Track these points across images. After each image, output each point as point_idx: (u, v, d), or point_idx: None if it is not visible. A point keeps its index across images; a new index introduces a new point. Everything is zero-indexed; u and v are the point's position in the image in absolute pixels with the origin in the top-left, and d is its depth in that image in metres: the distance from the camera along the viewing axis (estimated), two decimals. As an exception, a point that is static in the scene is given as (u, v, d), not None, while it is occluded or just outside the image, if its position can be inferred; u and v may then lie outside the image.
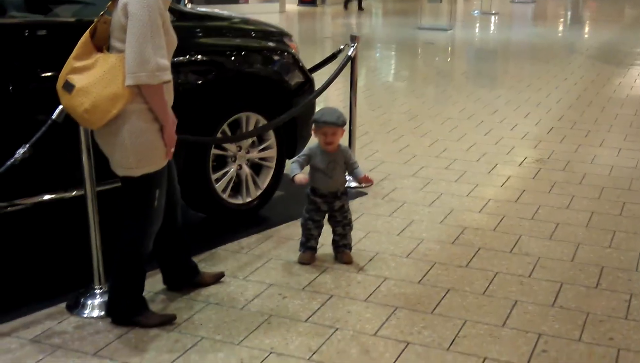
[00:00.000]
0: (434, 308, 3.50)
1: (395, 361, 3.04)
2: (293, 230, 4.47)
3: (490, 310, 3.49)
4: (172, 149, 3.14)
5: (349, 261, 3.99)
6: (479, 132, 6.94)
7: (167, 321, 3.33)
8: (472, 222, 4.64)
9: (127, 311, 3.29)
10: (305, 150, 3.95)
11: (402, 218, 4.70)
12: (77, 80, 2.96)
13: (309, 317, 3.41)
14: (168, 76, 2.96)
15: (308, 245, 4.00)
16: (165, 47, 2.96)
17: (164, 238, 3.45)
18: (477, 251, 4.17)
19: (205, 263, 3.96)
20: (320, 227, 3.99)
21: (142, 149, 3.04)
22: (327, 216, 4.01)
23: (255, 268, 3.92)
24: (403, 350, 3.13)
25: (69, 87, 2.99)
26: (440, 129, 7.05)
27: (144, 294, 3.36)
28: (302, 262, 3.98)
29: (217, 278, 3.75)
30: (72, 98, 2.98)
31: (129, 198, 3.19)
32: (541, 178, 5.57)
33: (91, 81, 2.94)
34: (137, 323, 3.27)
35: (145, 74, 2.88)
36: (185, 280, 3.65)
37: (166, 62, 2.94)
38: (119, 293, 3.29)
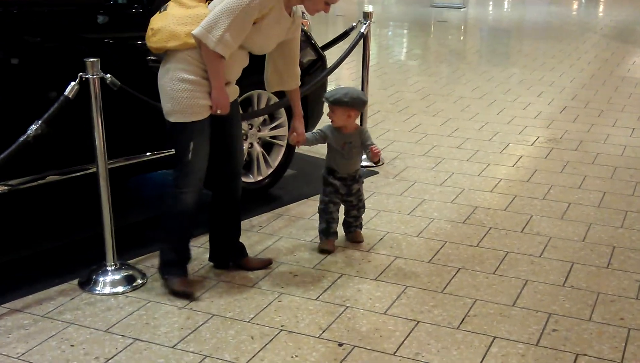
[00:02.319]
0: (444, 287, 3.50)
1: (405, 339, 3.05)
2: (304, 209, 4.48)
3: (501, 289, 3.49)
4: (219, 111, 3.23)
5: (360, 240, 3.96)
6: (491, 111, 6.90)
7: (184, 295, 3.36)
8: (484, 202, 4.63)
9: (161, 265, 3.44)
10: (323, 127, 3.85)
11: (413, 197, 4.70)
12: (172, 8, 3.27)
13: (320, 295, 3.42)
14: (225, 52, 3.13)
15: (331, 231, 3.87)
16: (239, 37, 3.15)
17: (217, 211, 3.57)
18: (488, 231, 4.17)
19: (217, 241, 3.97)
20: (338, 211, 3.90)
21: (178, 96, 3.19)
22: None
23: (266, 247, 3.93)
24: (413, 329, 3.13)
25: (164, 8, 3.30)
26: (452, 108, 7.02)
27: (190, 259, 3.53)
28: (326, 250, 3.83)
29: (264, 264, 3.70)
30: (158, 17, 3.29)
31: (171, 146, 3.44)
32: (553, 157, 5.54)
33: (176, 14, 3.22)
34: (164, 280, 3.44)
35: (210, 36, 3.09)
36: (232, 260, 3.68)
37: (232, 42, 3.12)
38: (161, 244, 3.46)
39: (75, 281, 3.51)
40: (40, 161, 3.61)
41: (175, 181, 3.34)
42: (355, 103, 3.71)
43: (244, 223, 4.20)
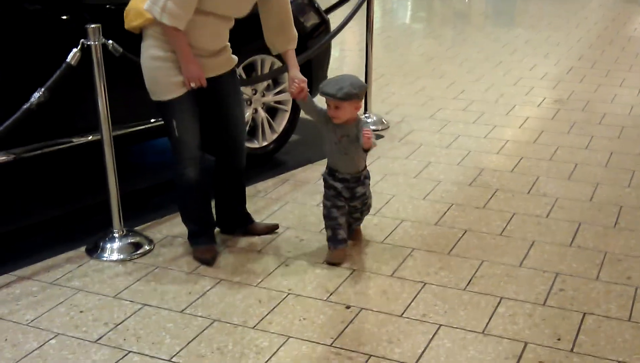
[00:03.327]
0: (451, 249, 3.50)
1: (412, 301, 3.06)
2: (309, 174, 4.47)
3: (508, 250, 3.49)
4: (193, 84, 3.14)
5: (358, 239, 3.58)
6: (497, 73, 6.85)
7: (204, 262, 3.38)
8: (490, 163, 4.61)
9: (188, 235, 3.50)
10: (324, 109, 3.34)
11: (419, 160, 4.68)
12: None
13: (327, 258, 3.42)
14: (173, 22, 3.01)
15: (339, 239, 3.38)
16: (186, 4, 3.02)
17: (220, 180, 3.57)
18: (495, 193, 4.15)
19: (223, 207, 3.97)
20: (345, 215, 3.39)
21: (153, 75, 3.16)
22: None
23: (272, 212, 3.93)
24: (420, 290, 3.14)
25: None
26: (457, 70, 6.96)
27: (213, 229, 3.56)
28: (334, 263, 3.36)
29: (270, 229, 3.69)
30: None
31: None
32: (560, 118, 5.50)
33: None
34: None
35: (155, 7, 3.02)
36: (238, 227, 3.67)
37: (178, 10, 3.00)
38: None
39: (83, 249, 3.52)
40: (45, 128, 3.60)
41: (173, 157, 3.33)
42: (363, 91, 3.29)
43: (249, 189, 4.19)
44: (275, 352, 2.72)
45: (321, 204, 3.44)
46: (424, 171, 4.50)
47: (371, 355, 2.69)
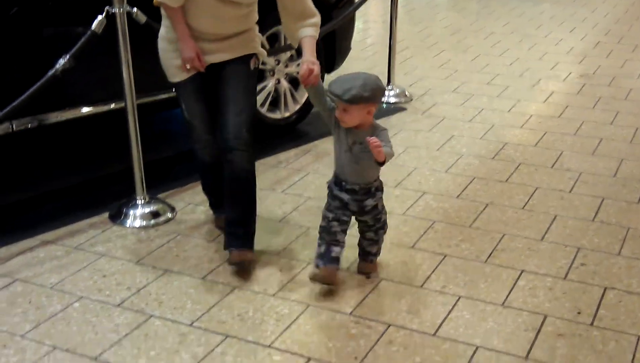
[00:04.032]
0: (472, 222, 3.49)
1: (433, 272, 3.06)
2: (331, 145, 4.42)
3: (530, 224, 3.47)
4: (188, 66, 2.97)
5: (369, 272, 3.06)
6: (522, 47, 6.77)
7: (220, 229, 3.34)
8: (513, 138, 4.58)
9: (209, 204, 3.50)
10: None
11: (442, 133, 4.66)
12: None
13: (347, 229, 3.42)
14: (168, 1, 2.89)
15: (331, 255, 2.88)
16: None
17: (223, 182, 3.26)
18: (518, 167, 4.13)
19: (244, 176, 3.98)
20: (346, 232, 2.93)
21: (161, 56, 3.10)
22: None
23: (294, 182, 3.94)
24: (440, 262, 3.14)
25: None
26: (482, 44, 6.90)
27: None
28: (321, 281, 2.90)
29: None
30: None
31: None
32: (585, 93, 5.44)
33: None
34: None
35: None
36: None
37: None
38: None
39: (106, 215, 3.55)
40: (70, 95, 3.62)
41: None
42: (377, 94, 2.76)
43: (271, 159, 4.21)
44: (295, 320, 2.74)
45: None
46: (446, 144, 4.48)
47: (390, 325, 2.71)
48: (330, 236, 2.88)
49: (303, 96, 4.68)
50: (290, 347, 2.58)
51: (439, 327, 2.70)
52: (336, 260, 2.90)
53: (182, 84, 3.08)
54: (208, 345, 2.60)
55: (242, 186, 3.06)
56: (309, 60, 2.89)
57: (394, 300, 2.87)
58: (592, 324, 2.71)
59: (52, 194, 3.82)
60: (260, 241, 3.31)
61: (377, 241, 3.02)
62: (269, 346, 2.59)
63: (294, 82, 4.65)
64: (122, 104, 3.45)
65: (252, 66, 3.10)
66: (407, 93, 5.33)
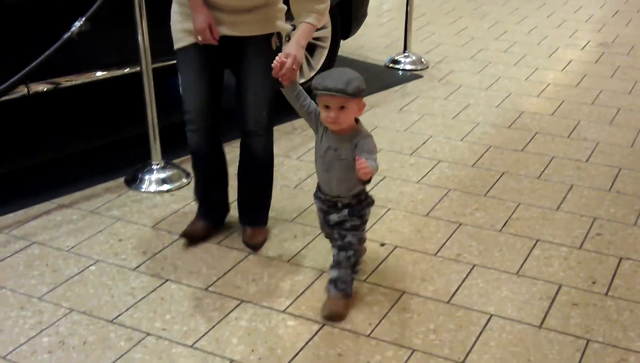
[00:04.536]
0: (488, 191, 3.48)
1: (447, 241, 3.06)
2: (347, 112, 4.44)
3: (545, 193, 3.46)
4: (200, 37, 2.72)
5: (333, 316, 2.57)
6: (540, 15, 6.68)
7: (183, 233, 3.04)
8: (530, 106, 4.54)
9: None
10: (317, 108, 2.53)
11: (458, 101, 4.62)
12: None
13: (362, 197, 3.42)
14: None
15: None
16: None
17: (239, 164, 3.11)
18: (534, 136, 4.10)
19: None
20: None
21: (171, 22, 2.85)
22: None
23: (309, 149, 3.93)
24: (455, 231, 3.14)
25: None
26: (500, 11, 6.81)
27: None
28: (330, 316, 2.58)
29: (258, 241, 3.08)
30: None
31: None
32: (604, 62, 5.38)
33: None
34: None
35: None
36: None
37: None
38: None
39: (122, 179, 3.56)
40: (86, 59, 3.61)
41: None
42: (358, 92, 2.41)
43: (286, 125, 4.20)
44: (309, 286, 2.75)
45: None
46: (462, 112, 4.44)
47: (404, 292, 2.71)
48: (329, 238, 2.71)
49: (319, 62, 4.65)
50: (305, 313, 2.60)
51: (453, 294, 2.70)
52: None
53: (184, 51, 2.81)
54: (223, 309, 2.62)
55: (259, 171, 3.00)
56: (286, 51, 2.56)
57: (409, 268, 2.87)
58: (606, 294, 2.71)
59: (68, 159, 3.83)
60: (275, 207, 3.31)
61: (339, 265, 2.58)
62: (283, 311, 2.61)
63: (310, 48, 4.62)
64: (138, 68, 3.44)
65: (273, 45, 2.82)
66: (423, 60, 5.29)
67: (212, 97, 2.88)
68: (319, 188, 2.61)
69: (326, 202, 2.57)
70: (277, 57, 2.50)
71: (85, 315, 2.58)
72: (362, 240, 2.64)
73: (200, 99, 2.86)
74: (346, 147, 2.44)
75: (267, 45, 2.81)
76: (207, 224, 3.08)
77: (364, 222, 2.60)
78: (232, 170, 3.07)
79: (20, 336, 2.48)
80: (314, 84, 2.39)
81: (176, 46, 2.84)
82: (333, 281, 2.59)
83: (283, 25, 2.86)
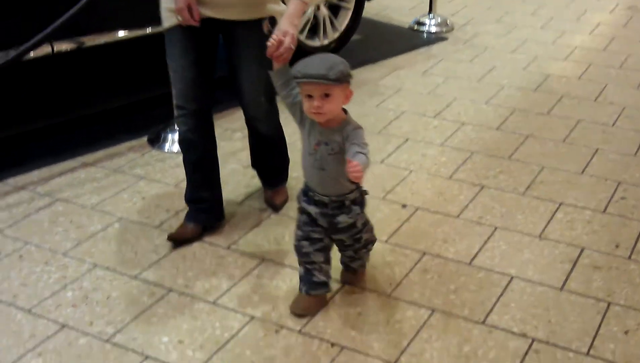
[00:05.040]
0: (512, 154, 3.45)
1: (470, 203, 3.05)
2: (369, 74, 4.42)
3: (570, 157, 3.42)
4: (180, 18, 2.54)
5: (357, 283, 2.56)
6: (569, -23, 6.56)
7: (168, 236, 2.80)
8: (557, 70, 4.48)
9: None
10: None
11: (483, 64, 4.57)
12: None
13: (384, 159, 3.42)
14: None
15: (313, 281, 2.39)
16: None
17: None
18: (560, 99, 4.05)
19: (280, 104, 3.96)
20: (324, 250, 2.39)
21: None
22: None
23: (332, 110, 3.91)
24: (478, 193, 3.12)
25: None
26: (527, -27, 6.69)
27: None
28: (302, 313, 2.41)
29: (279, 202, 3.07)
30: None
31: None
32: (633, 26, 5.28)
33: None
34: None
35: None
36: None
37: None
38: None
39: (145, 139, 3.58)
40: (110, 18, 3.61)
41: None
42: (341, 78, 2.18)
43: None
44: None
45: (383, 103, 3.31)
46: (487, 75, 4.40)
47: (425, 253, 2.71)
48: (305, 258, 2.38)
49: (343, 23, 4.61)
50: (326, 272, 2.61)
51: (475, 256, 2.70)
52: (322, 285, 2.41)
53: (169, 32, 2.63)
54: (244, 267, 2.64)
55: (268, 148, 3.00)
56: (282, 28, 2.33)
57: (430, 229, 2.87)
58: (629, 257, 2.69)
59: (91, 118, 3.85)
60: (298, 169, 3.30)
61: (357, 259, 2.50)
62: (305, 270, 2.62)
63: (334, 9, 4.58)
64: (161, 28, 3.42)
65: (265, 30, 2.61)
66: (448, 22, 5.23)
67: (199, 81, 2.67)
68: (309, 190, 2.31)
69: (330, 205, 2.28)
70: (273, 36, 2.28)
71: (108, 271, 2.62)
72: (372, 228, 2.46)
73: (186, 81, 2.66)
74: (337, 140, 2.20)
75: (257, 31, 2.61)
76: (195, 227, 2.81)
77: (366, 215, 2.40)
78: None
79: (44, 290, 2.52)
80: (295, 72, 2.16)
81: (163, 25, 2.65)
82: (359, 266, 2.53)
83: (276, 9, 2.63)
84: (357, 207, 2.31)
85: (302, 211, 2.37)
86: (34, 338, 2.30)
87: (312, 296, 2.41)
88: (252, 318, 2.38)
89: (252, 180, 3.21)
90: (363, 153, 2.09)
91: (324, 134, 2.23)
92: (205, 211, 2.84)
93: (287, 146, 3.05)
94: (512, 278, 2.57)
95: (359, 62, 4.56)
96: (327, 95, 2.14)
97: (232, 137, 3.62)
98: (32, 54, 3.26)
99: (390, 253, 2.72)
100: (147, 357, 2.22)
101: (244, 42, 2.65)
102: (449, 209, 3.01)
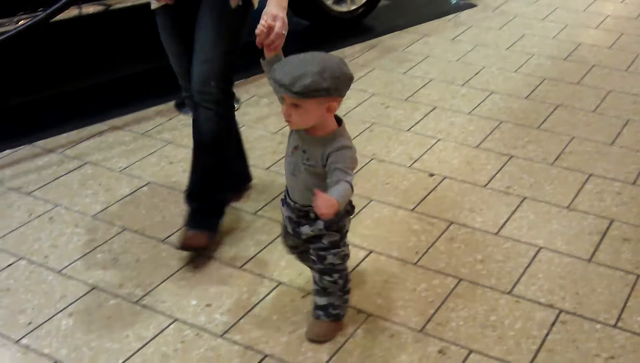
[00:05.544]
0: (541, 124, 3.42)
1: (497, 173, 3.03)
2: (397, 41, 4.38)
3: (600, 127, 3.38)
4: None
5: (317, 337, 2.18)
6: (602, -57, 6.43)
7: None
8: (588, 38, 4.41)
9: None
10: None
11: (513, 31, 4.51)
12: None
13: (412, 127, 3.40)
14: None
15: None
16: None
17: None
18: (591, 68, 3.99)
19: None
20: (302, 257, 2.24)
21: None
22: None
23: (358, 77, 3.88)
24: (506, 163, 3.10)
25: None
26: (559, -61, 6.56)
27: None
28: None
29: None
30: None
31: None
32: (667, -6, 5.17)
33: None
34: None
35: None
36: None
37: None
38: None
39: (172, 103, 3.58)
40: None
41: None
42: (341, 84, 1.88)
43: (336, 53, 4.14)
44: (356, 213, 2.73)
45: (411, 71, 3.29)
46: (517, 43, 4.34)
47: (452, 222, 2.71)
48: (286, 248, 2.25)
49: (368, -11, 4.56)
50: (351, 240, 2.59)
51: (502, 226, 2.68)
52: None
53: (156, 13, 2.49)
54: (271, 233, 2.65)
55: (202, 155, 2.51)
56: (270, 13, 2.09)
57: (457, 198, 2.86)
58: (659, 230, 2.67)
59: (119, 81, 3.86)
60: (324, 134, 3.30)
61: (325, 290, 2.16)
62: (331, 237, 2.62)
63: (362, -27, 4.53)
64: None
65: (233, 4, 2.34)
66: (478, -11, 5.15)
67: (191, 60, 2.44)
68: (287, 192, 2.10)
69: (296, 211, 2.06)
70: (261, 22, 2.03)
71: (137, 234, 2.64)
72: (346, 257, 2.14)
73: (179, 62, 2.52)
74: (316, 153, 1.92)
75: (223, 3, 2.35)
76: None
77: (344, 235, 2.10)
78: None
79: (74, 252, 2.55)
80: (271, 72, 1.91)
81: (152, 7, 2.50)
82: (323, 308, 2.18)
83: None
84: (321, 222, 2.02)
85: (281, 210, 2.16)
86: (64, 299, 2.33)
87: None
88: (279, 283, 2.40)
89: (279, 146, 3.21)
90: (347, 182, 1.84)
91: (304, 140, 1.96)
92: (231, 178, 2.69)
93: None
94: (539, 248, 2.56)
95: (387, 28, 4.52)
96: (296, 105, 1.86)
97: (258, 103, 3.62)
98: (59, 16, 3.26)
99: (416, 221, 2.72)
100: (175, 320, 2.25)
101: (205, 15, 2.39)
102: (477, 178, 2.99)
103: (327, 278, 2.12)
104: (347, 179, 1.84)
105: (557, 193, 2.88)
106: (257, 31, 2.02)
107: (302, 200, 2.02)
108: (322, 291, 2.16)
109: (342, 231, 2.09)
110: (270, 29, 2.02)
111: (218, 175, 2.52)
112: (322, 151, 1.91)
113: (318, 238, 2.07)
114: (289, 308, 2.29)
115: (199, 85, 2.39)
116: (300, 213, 2.06)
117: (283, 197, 2.12)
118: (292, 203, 2.06)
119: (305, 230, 2.07)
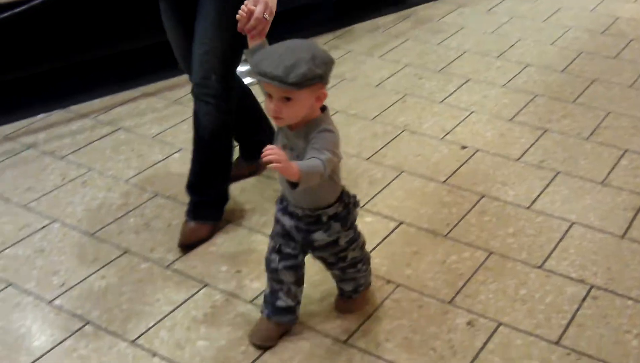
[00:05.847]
0: (577, 98, 3.37)
1: (531, 146, 2.99)
2: (432, 11, 4.32)
3: (637, 103, 3.32)
4: None
5: (347, 311, 2.16)
6: None
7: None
8: (626, 12, 4.32)
9: None
10: None
11: (549, 3, 4.43)
12: None
13: (445, 99, 3.37)
14: None
15: (277, 306, 2.03)
16: None
17: None
18: (629, 43, 3.91)
19: (341, 40, 3.93)
20: (295, 269, 2.00)
21: None
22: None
23: (392, 48, 3.85)
24: (540, 137, 3.06)
25: None
26: None
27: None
28: (259, 343, 2.05)
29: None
30: None
31: None
32: None
33: None
34: None
35: None
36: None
37: None
38: None
39: (204, 71, 3.58)
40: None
41: None
42: (329, 69, 1.77)
43: (369, 23, 4.13)
44: (387, 184, 2.75)
45: (446, 41, 3.23)
46: (553, 16, 4.26)
47: (484, 195, 2.69)
48: (272, 275, 2.00)
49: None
50: (382, 210, 2.61)
51: (535, 200, 2.66)
52: (285, 311, 2.03)
53: (159, 4, 2.43)
54: (302, 202, 2.64)
55: (201, 149, 2.45)
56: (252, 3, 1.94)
57: (489, 171, 2.83)
58: (695, 208, 2.63)
59: (151, 48, 3.85)
60: (357, 106, 3.29)
61: (354, 279, 2.10)
62: (362, 207, 2.61)
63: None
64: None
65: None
66: (515, -40, 5.06)
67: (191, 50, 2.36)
68: (284, 201, 1.95)
69: (305, 218, 1.90)
70: (242, 6, 1.92)
71: (169, 200, 2.66)
72: (364, 244, 2.06)
73: (182, 53, 2.43)
74: (301, 146, 1.79)
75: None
76: (248, 165, 2.69)
77: (356, 227, 2.00)
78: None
79: (107, 216, 2.58)
80: (252, 64, 1.79)
81: None
82: (352, 291, 2.13)
83: None
84: (337, 224, 1.91)
85: (276, 220, 1.99)
86: (97, 262, 2.37)
87: (274, 323, 2.04)
88: (309, 252, 2.41)
89: (310, 115, 3.20)
90: (319, 159, 1.69)
91: (290, 138, 1.83)
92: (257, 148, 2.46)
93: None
94: (572, 223, 2.53)
95: (420, -1, 4.47)
96: (288, 98, 1.73)
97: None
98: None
99: (448, 194, 2.70)
100: (206, 285, 2.27)
101: (204, 4, 2.29)
102: (510, 152, 2.96)
103: (351, 270, 2.06)
104: (320, 157, 1.70)
105: (592, 168, 2.85)
106: (238, 17, 1.91)
107: (308, 204, 1.88)
108: (347, 280, 2.10)
109: (354, 225, 2.00)
110: (250, 13, 1.91)
111: (217, 168, 2.49)
112: (305, 141, 1.78)
113: (336, 242, 1.95)
114: (318, 277, 2.29)
115: (199, 78, 2.32)
116: (310, 219, 1.90)
117: (281, 208, 1.95)
118: (298, 211, 1.90)
119: (320, 236, 1.92)
